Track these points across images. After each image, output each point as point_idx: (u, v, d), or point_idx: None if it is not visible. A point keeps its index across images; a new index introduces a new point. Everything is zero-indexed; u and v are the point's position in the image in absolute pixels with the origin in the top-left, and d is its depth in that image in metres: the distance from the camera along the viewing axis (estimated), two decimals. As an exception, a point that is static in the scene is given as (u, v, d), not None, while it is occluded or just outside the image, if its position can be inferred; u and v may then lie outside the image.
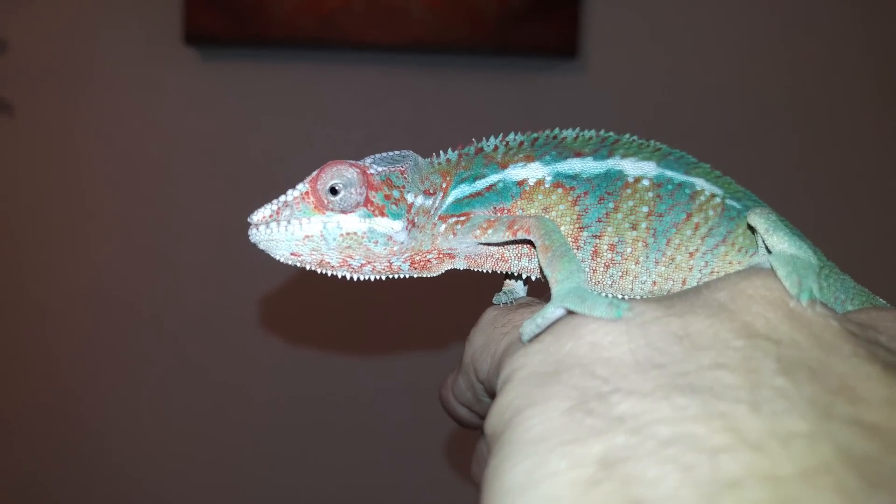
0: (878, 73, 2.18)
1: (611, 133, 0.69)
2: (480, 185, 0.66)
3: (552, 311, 0.47)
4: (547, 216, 0.64)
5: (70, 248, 2.18)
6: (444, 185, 0.67)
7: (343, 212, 0.62)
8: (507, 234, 0.60)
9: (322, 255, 0.62)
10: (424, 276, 0.67)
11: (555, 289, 0.50)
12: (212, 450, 2.24)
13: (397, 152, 0.70)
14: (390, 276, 0.66)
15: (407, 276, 0.66)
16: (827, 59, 2.17)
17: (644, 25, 2.17)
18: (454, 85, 2.16)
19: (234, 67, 2.12)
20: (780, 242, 0.56)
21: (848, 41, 2.16)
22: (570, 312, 0.47)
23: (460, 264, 0.67)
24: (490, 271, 0.68)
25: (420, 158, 0.69)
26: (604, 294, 0.48)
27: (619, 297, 0.47)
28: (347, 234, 0.62)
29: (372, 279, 0.65)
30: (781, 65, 2.17)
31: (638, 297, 0.64)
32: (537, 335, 0.47)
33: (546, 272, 0.52)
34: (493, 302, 0.69)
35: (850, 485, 0.34)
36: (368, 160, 0.67)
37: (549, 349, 0.45)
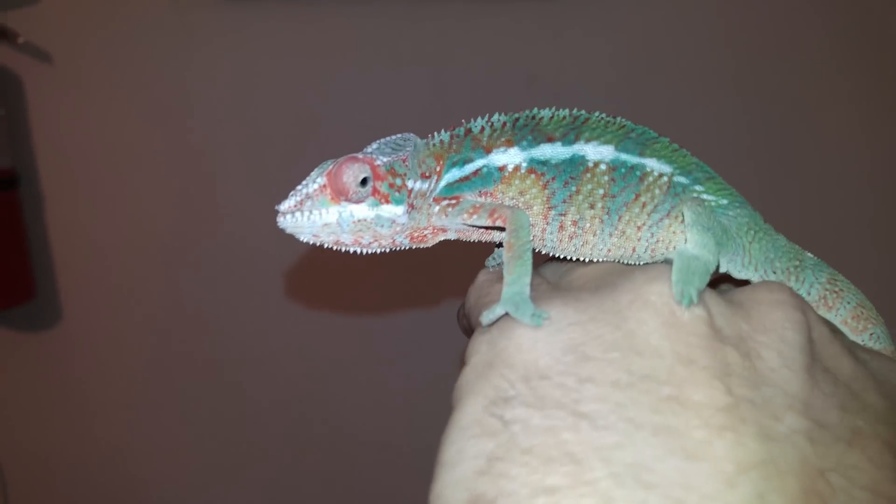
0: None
1: (582, 112, 0.78)
2: (468, 169, 0.77)
3: (498, 309, 0.57)
4: (523, 199, 0.76)
5: (107, 192, 2.35)
6: (437, 169, 0.78)
7: (355, 202, 0.75)
8: (489, 220, 0.72)
9: (338, 237, 0.75)
10: (421, 247, 0.80)
11: (503, 289, 0.59)
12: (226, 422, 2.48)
13: (400, 136, 0.81)
14: (393, 249, 0.79)
15: (406, 248, 0.79)
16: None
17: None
18: (474, 13, 2.20)
19: (259, 8, 2.20)
20: (690, 240, 0.66)
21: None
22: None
23: (452, 236, 0.80)
24: (477, 241, 0.81)
25: (419, 141, 0.79)
26: (533, 306, 0.54)
27: (543, 312, 0.53)
28: (359, 220, 0.74)
29: (378, 252, 0.78)
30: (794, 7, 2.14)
31: (598, 258, 0.76)
32: (493, 322, 0.57)
33: (504, 269, 0.62)
34: (486, 264, 0.83)
35: (632, 494, 0.41)
36: (374, 146, 0.78)
37: (493, 341, 0.54)
